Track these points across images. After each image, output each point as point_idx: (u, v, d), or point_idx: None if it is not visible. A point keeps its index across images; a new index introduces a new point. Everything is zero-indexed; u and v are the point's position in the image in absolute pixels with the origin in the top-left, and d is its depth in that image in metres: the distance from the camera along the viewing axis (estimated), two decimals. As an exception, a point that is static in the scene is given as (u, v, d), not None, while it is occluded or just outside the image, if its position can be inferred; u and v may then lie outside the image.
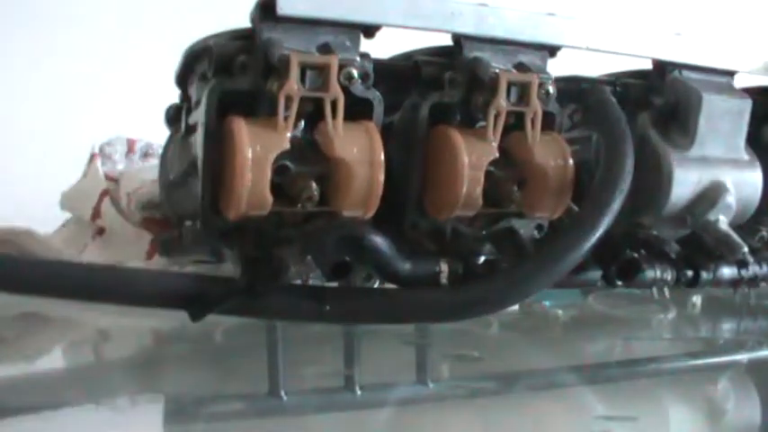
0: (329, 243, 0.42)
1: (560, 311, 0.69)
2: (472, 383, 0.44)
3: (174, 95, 0.51)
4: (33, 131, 1.00)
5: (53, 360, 0.50)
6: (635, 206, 0.49)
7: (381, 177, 0.41)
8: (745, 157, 0.52)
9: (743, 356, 0.52)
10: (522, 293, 0.44)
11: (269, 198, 0.40)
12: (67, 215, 0.69)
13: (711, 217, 0.49)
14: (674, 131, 0.51)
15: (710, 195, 0.50)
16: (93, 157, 0.68)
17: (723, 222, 0.49)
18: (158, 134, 0.56)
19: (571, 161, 0.46)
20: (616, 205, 0.44)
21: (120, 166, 0.68)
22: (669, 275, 0.53)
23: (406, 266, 0.44)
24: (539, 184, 0.46)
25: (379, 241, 0.43)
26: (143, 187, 0.62)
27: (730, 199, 0.50)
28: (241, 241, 0.43)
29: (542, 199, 0.46)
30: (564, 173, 0.46)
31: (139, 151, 0.70)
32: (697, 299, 0.68)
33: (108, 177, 0.66)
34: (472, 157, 0.44)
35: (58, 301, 0.52)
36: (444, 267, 0.46)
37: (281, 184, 0.41)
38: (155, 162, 0.65)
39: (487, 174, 0.45)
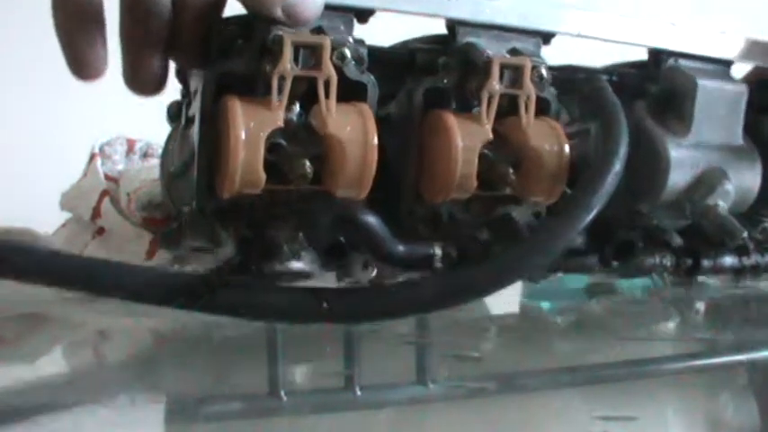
0: (323, 222, 0.42)
1: (560, 312, 0.69)
2: (472, 383, 0.44)
3: (174, 94, 0.50)
4: (33, 131, 1.00)
5: (53, 360, 0.50)
6: (633, 193, 0.49)
7: (374, 155, 0.42)
8: (743, 143, 0.52)
9: (743, 357, 0.52)
10: (513, 275, 0.42)
11: (262, 174, 0.41)
12: (67, 215, 0.69)
13: (710, 202, 0.49)
14: (671, 119, 0.51)
15: (708, 180, 0.50)
16: (93, 156, 0.68)
17: (722, 208, 0.49)
18: (158, 134, 0.56)
19: (566, 145, 0.46)
20: (609, 187, 0.43)
21: (120, 166, 0.68)
22: (669, 261, 0.52)
23: (400, 248, 0.44)
24: (534, 166, 0.46)
25: (374, 221, 0.43)
26: (143, 187, 0.63)
27: (729, 185, 0.50)
28: (235, 222, 0.43)
29: (538, 181, 0.46)
30: (559, 155, 0.46)
31: (139, 151, 0.70)
32: (700, 305, 0.68)
33: (108, 177, 0.66)
34: (466, 138, 0.44)
35: (57, 301, 0.52)
36: (438, 250, 0.46)
37: (275, 162, 0.41)
38: (155, 162, 0.65)
39: (483, 157, 0.45)
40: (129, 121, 0.71)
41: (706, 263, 0.54)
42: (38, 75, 1.00)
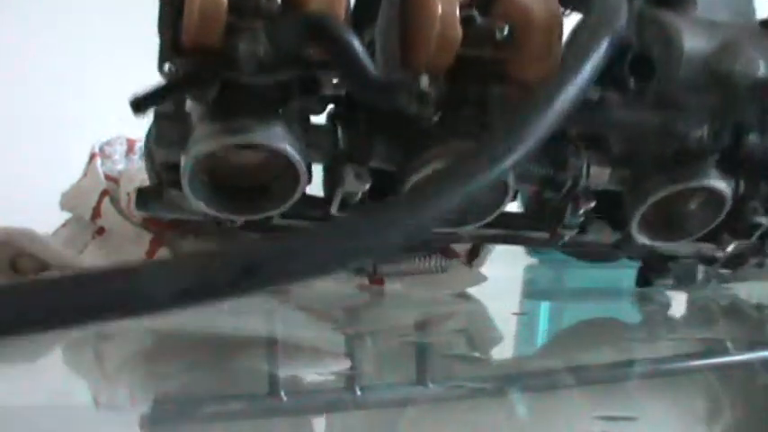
0: (292, 27, 0.41)
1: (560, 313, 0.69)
2: (472, 383, 0.44)
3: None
4: (33, 131, 1.00)
5: (53, 360, 0.50)
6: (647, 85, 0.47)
7: None
8: (759, 23, 0.49)
9: (743, 357, 0.52)
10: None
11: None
12: (67, 215, 0.69)
13: (738, 68, 0.45)
14: (674, 5, 0.48)
15: (729, 50, 0.46)
16: (93, 156, 0.68)
17: (750, 71, 0.45)
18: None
19: (559, 12, 0.45)
20: (603, 50, 0.38)
21: (120, 166, 0.68)
22: (701, 132, 0.47)
23: (378, 71, 0.42)
24: (524, 23, 0.45)
25: (350, 35, 0.41)
26: (143, 187, 0.63)
27: (753, 53, 0.46)
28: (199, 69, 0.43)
29: (529, 41, 0.45)
30: (550, 19, 0.44)
31: (139, 151, 0.70)
32: (701, 305, 0.68)
33: (108, 177, 0.67)
34: None
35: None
36: (425, 78, 0.43)
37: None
38: (155, 162, 0.65)
39: (470, 19, 0.44)
40: (129, 121, 0.72)
41: (752, 138, 0.49)
42: (38, 74, 1.00)
